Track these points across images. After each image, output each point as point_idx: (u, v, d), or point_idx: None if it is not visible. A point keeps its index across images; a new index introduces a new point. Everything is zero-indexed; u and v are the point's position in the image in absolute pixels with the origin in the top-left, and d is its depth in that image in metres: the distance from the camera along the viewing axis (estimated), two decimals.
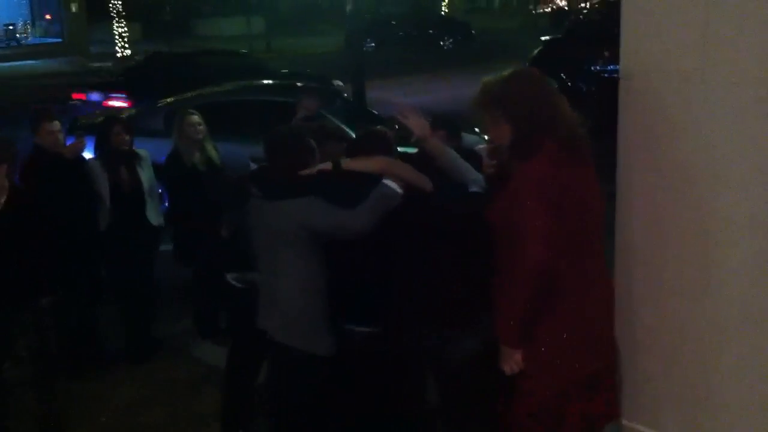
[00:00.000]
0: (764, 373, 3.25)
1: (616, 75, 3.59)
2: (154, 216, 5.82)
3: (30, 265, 4.48)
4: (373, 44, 29.08)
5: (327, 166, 3.80)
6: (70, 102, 12.97)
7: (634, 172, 3.50)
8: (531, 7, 52.61)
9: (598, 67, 13.05)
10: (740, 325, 3.29)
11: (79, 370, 5.51)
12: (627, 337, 3.62)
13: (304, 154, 3.87)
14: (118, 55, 29.13)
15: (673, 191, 3.38)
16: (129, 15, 30.89)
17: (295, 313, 3.78)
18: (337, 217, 3.68)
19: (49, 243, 4.99)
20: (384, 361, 3.89)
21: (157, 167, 5.94)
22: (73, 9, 31.12)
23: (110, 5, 30.24)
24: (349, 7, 12.95)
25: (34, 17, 34.31)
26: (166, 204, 6.73)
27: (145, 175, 5.76)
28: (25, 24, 33.49)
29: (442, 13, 39.79)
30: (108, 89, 12.92)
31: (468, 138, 5.85)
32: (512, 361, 3.43)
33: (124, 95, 12.36)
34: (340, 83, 13.68)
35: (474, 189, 3.85)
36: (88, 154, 5.88)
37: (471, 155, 4.19)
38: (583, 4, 45.81)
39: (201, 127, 5.90)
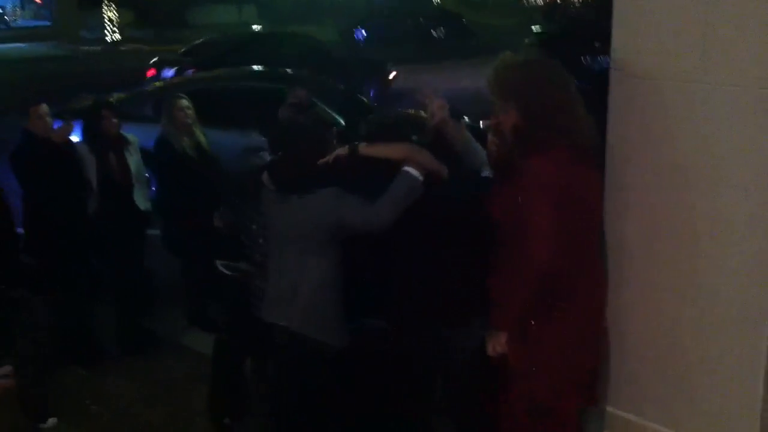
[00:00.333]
0: (743, 369, 3.27)
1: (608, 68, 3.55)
2: (142, 201, 5.79)
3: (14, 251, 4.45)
4: (365, 33, 28.98)
5: (344, 151, 3.71)
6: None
7: (628, 170, 3.48)
8: None
9: (590, 60, 13.03)
10: (723, 324, 3.30)
11: (70, 360, 5.47)
12: (614, 329, 3.62)
13: (322, 145, 3.80)
14: (108, 40, 28.93)
15: (668, 190, 3.37)
16: (120, 0, 30.69)
17: (317, 306, 3.72)
18: (363, 212, 3.60)
19: (37, 228, 4.99)
20: (398, 356, 3.86)
21: (145, 152, 5.91)
22: None
23: None
24: None
25: (24, 0, 34.08)
26: (154, 189, 6.69)
27: (133, 160, 5.74)
28: (14, 7, 33.27)
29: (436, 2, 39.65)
30: (180, 66, 13.48)
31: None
32: (496, 343, 3.42)
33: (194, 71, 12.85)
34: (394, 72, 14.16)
35: (486, 173, 3.79)
36: (76, 139, 5.83)
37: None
38: None
39: (190, 112, 5.86)
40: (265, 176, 3.84)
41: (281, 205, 3.77)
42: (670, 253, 3.40)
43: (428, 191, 3.59)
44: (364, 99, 9.44)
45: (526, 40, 14.79)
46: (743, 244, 3.21)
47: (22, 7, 33.74)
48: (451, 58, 21.07)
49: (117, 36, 29.34)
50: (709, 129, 3.21)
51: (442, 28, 27.52)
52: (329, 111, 7.42)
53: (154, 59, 15.27)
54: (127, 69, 17.66)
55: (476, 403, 3.77)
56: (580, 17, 25.70)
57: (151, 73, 14.15)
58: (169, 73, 13.56)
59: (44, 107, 5.50)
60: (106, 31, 29.71)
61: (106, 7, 29.90)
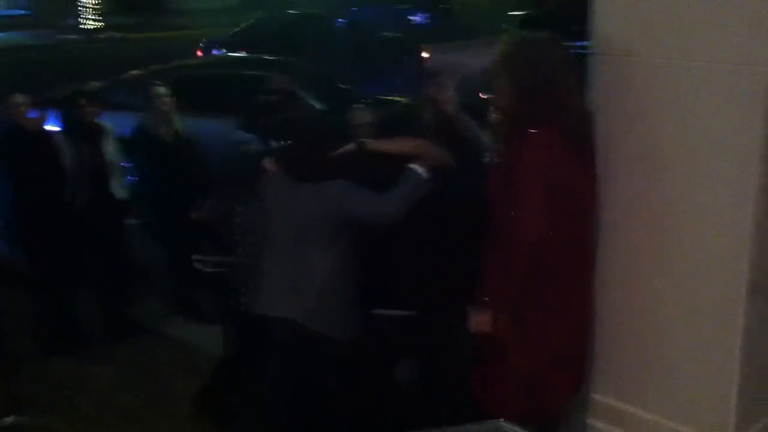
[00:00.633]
0: (720, 353, 3.30)
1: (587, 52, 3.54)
2: (120, 189, 5.77)
3: None
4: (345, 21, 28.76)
5: (352, 147, 3.73)
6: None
7: (608, 152, 3.45)
8: None
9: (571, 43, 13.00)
10: (702, 309, 3.31)
11: (53, 350, 5.48)
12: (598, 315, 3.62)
13: (330, 136, 3.81)
14: (88, 28, 28.64)
15: (648, 172, 3.36)
16: None
17: (325, 298, 3.70)
18: (370, 206, 3.61)
19: (14, 218, 4.95)
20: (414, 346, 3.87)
21: (123, 141, 5.87)
22: None
23: None
24: None
25: None
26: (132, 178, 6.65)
27: (110, 149, 5.71)
28: None
29: None
30: (230, 47, 13.65)
31: None
32: (479, 320, 3.43)
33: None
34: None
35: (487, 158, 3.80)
36: (53, 128, 5.79)
37: None
38: None
39: (168, 99, 5.82)
40: (269, 163, 3.81)
41: (286, 193, 3.74)
42: (649, 237, 3.40)
43: (437, 183, 3.61)
44: (348, 87, 9.38)
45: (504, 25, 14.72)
46: (722, 226, 3.21)
47: None
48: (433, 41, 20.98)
49: (97, 24, 29.03)
50: (689, 109, 3.20)
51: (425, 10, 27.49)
52: (309, 99, 7.40)
53: (204, 40, 15.25)
54: (108, 57, 17.52)
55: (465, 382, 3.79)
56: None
57: (200, 53, 14.32)
58: (217, 53, 13.83)
59: (20, 96, 5.46)
60: (86, 19, 29.38)
61: None
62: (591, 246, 3.49)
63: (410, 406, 4.20)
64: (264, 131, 4.27)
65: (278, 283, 3.79)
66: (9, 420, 4.75)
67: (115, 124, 5.90)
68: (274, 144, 4.10)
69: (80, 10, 29.27)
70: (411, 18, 17.56)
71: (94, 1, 29.62)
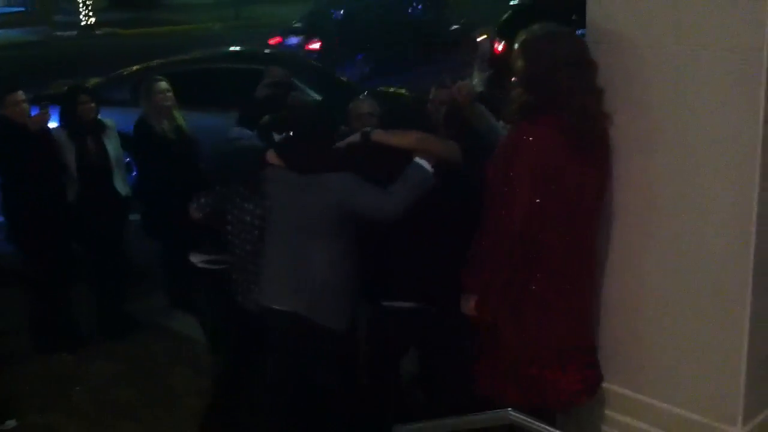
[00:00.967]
0: (726, 346, 3.31)
1: None
2: (122, 185, 5.74)
3: None
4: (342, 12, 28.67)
5: (356, 138, 3.71)
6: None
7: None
8: None
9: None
10: (707, 296, 3.32)
11: (52, 346, 5.47)
12: (603, 304, 3.64)
13: (334, 126, 3.80)
14: (83, 24, 28.57)
15: (645, 158, 3.36)
16: None
17: (330, 290, 3.68)
18: (374, 199, 3.58)
19: (16, 216, 4.94)
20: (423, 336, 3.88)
21: (124, 136, 5.85)
22: None
23: None
24: None
25: None
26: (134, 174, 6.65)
27: (112, 145, 5.68)
28: None
29: None
30: (305, 35, 14.08)
31: None
32: (465, 305, 3.46)
33: (318, 39, 13.68)
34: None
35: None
36: (53, 124, 5.77)
37: None
38: None
39: (169, 94, 5.80)
40: (271, 156, 3.79)
41: (289, 185, 3.72)
42: (657, 224, 3.40)
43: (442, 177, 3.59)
44: (344, 78, 9.37)
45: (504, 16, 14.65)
46: (723, 211, 3.21)
47: None
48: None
49: (92, 20, 28.95)
50: (684, 94, 3.21)
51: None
52: (307, 91, 7.38)
53: (280, 30, 15.30)
54: (104, 53, 17.47)
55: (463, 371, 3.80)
56: None
57: (275, 40, 14.47)
58: (293, 41, 14.09)
59: (20, 94, 5.43)
60: (81, 15, 29.29)
61: None
62: (592, 243, 3.47)
63: (413, 398, 4.21)
64: (264, 124, 4.23)
65: (281, 275, 3.78)
66: (12, 423, 4.75)
67: (114, 120, 5.86)
68: (275, 137, 4.08)
69: (75, 7, 29.11)
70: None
71: None
